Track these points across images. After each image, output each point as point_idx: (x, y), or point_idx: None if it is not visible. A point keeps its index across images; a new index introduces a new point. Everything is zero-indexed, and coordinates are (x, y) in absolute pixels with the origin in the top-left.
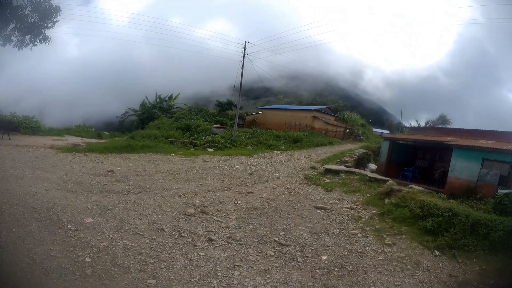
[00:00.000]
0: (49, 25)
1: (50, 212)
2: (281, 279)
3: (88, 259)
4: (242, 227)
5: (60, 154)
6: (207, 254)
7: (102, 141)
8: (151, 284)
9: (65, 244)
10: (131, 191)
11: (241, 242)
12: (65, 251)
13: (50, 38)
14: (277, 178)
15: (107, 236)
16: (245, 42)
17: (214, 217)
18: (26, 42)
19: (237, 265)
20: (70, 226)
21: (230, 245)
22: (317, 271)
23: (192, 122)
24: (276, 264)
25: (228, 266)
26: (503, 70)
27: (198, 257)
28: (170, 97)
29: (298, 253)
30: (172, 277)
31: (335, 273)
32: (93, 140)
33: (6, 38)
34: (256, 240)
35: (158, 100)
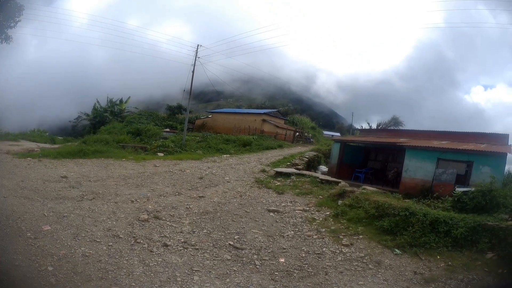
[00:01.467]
0: (12, 24)
1: (10, 220)
2: (241, 283)
3: (50, 268)
4: (196, 232)
5: (16, 160)
6: (164, 260)
7: (56, 146)
8: None
9: (27, 253)
10: (85, 197)
11: (197, 247)
12: (28, 260)
13: (11, 38)
14: (228, 182)
15: (66, 244)
16: (197, 45)
17: (168, 222)
18: None
19: (196, 270)
20: (29, 234)
21: (186, 250)
22: (277, 273)
23: (143, 126)
24: (234, 268)
25: (186, 271)
26: (459, 73)
27: (156, 263)
28: (121, 101)
29: (255, 256)
30: (134, 284)
31: (295, 275)
32: (47, 145)
33: None
34: (211, 245)
35: (109, 104)
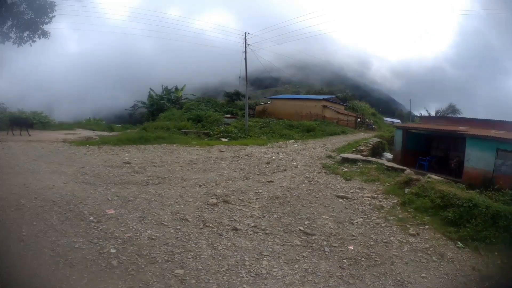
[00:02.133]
0: (46, 20)
1: (71, 205)
2: (310, 269)
3: (113, 250)
4: (266, 216)
5: (73, 148)
6: (233, 244)
7: (115, 133)
8: (179, 274)
9: (89, 236)
10: (150, 182)
11: (267, 232)
12: (89, 242)
13: (49, 33)
14: (295, 167)
15: (131, 227)
16: (245, 33)
17: (237, 207)
18: (25, 38)
19: (265, 255)
20: (92, 218)
21: (256, 234)
22: (345, 261)
23: (203, 112)
24: (303, 254)
25: (255, 255)
26: (507, 61)
27: (224, 247)
28: (177, 89)
29: (325, 242)
30: (200, 267)
31: (362, 263)
32: (105, 133)
33: (4, 35)
34: (281, 230)
35: (165, 92)
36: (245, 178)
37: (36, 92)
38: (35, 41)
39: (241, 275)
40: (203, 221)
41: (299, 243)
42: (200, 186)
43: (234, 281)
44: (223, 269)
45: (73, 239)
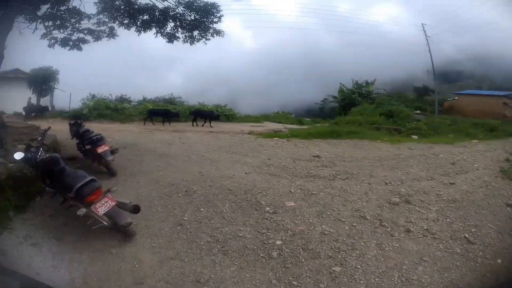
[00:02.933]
0: (215, 20)
1: (248, 195)
2: (455, 280)
3: (278, 242)
4: (440, 220)
5: (260, 140)
6: (400, 246)
7: (304, 127)
8: (335, 272)
9: (258, 226)
10: (338, 176)
11: (435, 236)
12: (256, 232)
13: (223, 32)
14: (477, 169)
15: (307, 221)
16: (422, 24)
17: (416, 208)
18: (196, 37)
19: (424, 260)
20: (268, 208)
21: (424, 238)
22: (487, 275)
23: (395, 108)
24: (457, 263)
25: (415, 260)
26: None
27: (391, 248)
28: (367, 83)
29: (480, 253)
30: (359, 266)
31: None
32: (294, 126)
33: (170, 36)
34: (449, 235)
35: (356, 86)
36: (430, 178)
37: (215, 87)
38: (209, 39)
39: (392, 279)
40: (380, 220)
41: (458, 251)
42: (386, 184)
43: (383, 284)
44: (379, 270)
45: (239, 227)
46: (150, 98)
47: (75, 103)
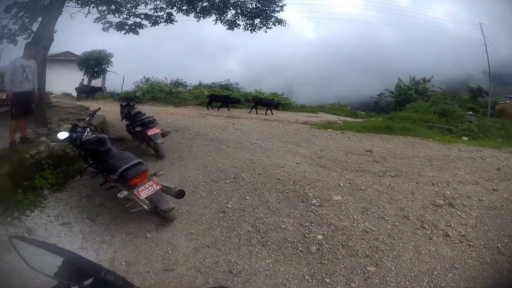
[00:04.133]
0: (277, 9)
1: (297, 186)
2: None
3: (319, 236)
4: (478, 227)
5: (314, 130)
6: (436, 250)
7: (359, 120)
8: (369, 271)
9: (302, 219)
10: (387, 173)
11: (471, 243)
12: (299, 225)
13: (285, 21)
14: None
15: (351, 217)
16: (480, 23)
17: (458, 212)
18: (258, 25)
19: (455, 267)
20: (314, 201)
21: (460, 244)
22: None
23: (449, 107)
24: (485, 273)
25: (447, 266)
26: None
27: (427, 252)
28: (424, 80)
29: (507, 265)
30: (393, 268)
31: None
32: (349, 119)
33: (231, 23)
34: (483, 243)
35: (412, 83)
36: (474, 182)
37: (272, 75)
38: (270, 27)
39: (422, 284)
40: (422, 221)
41: (488, 261)
42: (433, 184)
43: None
44: (411, 274)
45: (283, 218)
46: (207, 83)
47: (128, 86)
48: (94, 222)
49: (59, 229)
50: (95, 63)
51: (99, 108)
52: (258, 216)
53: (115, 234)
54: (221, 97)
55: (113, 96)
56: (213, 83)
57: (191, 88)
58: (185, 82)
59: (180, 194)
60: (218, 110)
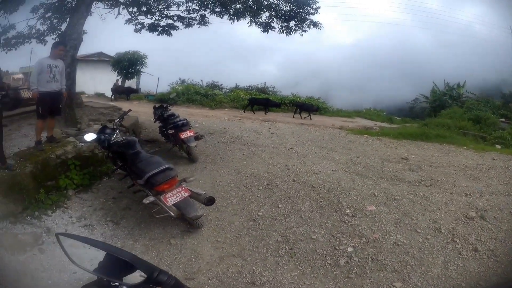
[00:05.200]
0: (312, 11)
1: (331, 194)
2: None
3: (350, 249)
4: (506, 242)
5: (350, 136)
6: (464, 266)
7: (394, 126)
8: (395, 287)
9: (334, 229)
10: (422, 182)
11: (498, 259)
12: (330, 236)
13: (320, 24)
14: None
15: (383, 228)
16: (510, 26)
17: (489, 225)
18: (293, 28)
19: (480, 284)
20: (348, 211)
21: (488, 259)
22: None
23: (482, 114)
24: None
25: (472, 283)
26: None
27: (455, 268)
28: (458, 85)
29: None
30: (419, 284)
31: None
32: (385, 124)
33: (266, 25)
34: (509, 259)
35: (447, 88)
36: (506, 193)
37: (308, 79)
38: (305, 30)
39: None
40: (453, 234)
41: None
42: (466, 195)
43: None
44: None
45: (314, 229)
46: (243, 86)
47: (163, 87)
48: (117, 225)
49: (80, 231)
50: (128, 64)
51: (130, 110)
52: (289, 226)
53: (138, 239)
54: (262, 100)
55: (147, 97)
56: (249, 86)
57: (227, 90)
58: (221, 84)
59: (209, 201)
60: (254, 113)
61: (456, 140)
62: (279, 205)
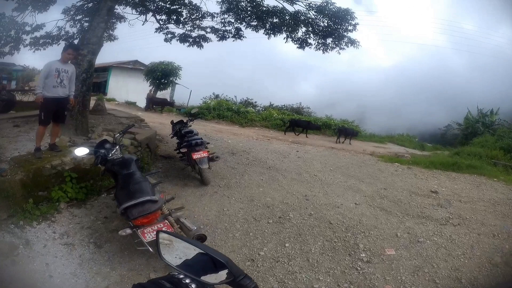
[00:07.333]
0: (350, 28)
1: (349, 233)
2: None
3: None
4: None
5: (381, 164)
6: None
7: (426, 153)
8: None
9: (342, 277)
10: (450, 221)
11: None
12: (335, 285)
13: (358, 42)
14: None
15: (399, 278)
16: None
17: None
18: (330, 45)
19: None
20: (363, 255)
21: None
22: None
23: None
24: None
25: None
26: None
27: None
28: (491, 112)
29: None
30: None
31: None
32: (416, 151)
33: (302, 41)
34: None
35: (480, 115)
36: None
37: (345, 101)
38: (343, 48)
39: None
40: (473, 285)
41: None
42: (493, 236)
43: None
44: None
45: (319, 276)
46: (277, 105)
47: (196, 101)
48: (99, 248)
49: (58, 249)
50: (162, 75)
51: (133, 125)
52: (291, 270)
53: (115, 267)
54: (303, 123)
55: (180, 110)
56: (284, 105)
57: (261, 108)
58: (255, 102)
59: (199, 239)
60: (297, 135)
61: (487, 171)
62: (286, 244)
